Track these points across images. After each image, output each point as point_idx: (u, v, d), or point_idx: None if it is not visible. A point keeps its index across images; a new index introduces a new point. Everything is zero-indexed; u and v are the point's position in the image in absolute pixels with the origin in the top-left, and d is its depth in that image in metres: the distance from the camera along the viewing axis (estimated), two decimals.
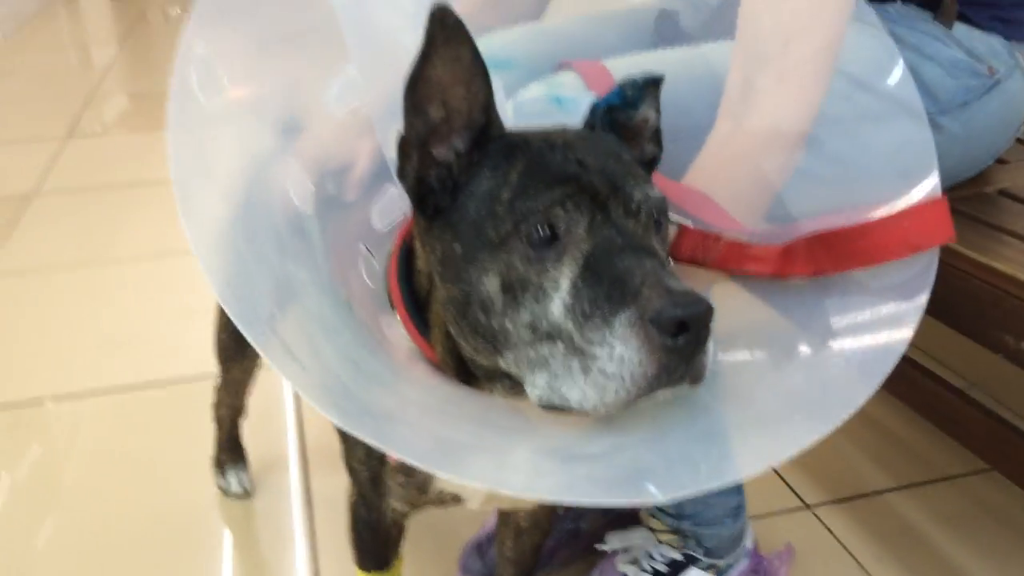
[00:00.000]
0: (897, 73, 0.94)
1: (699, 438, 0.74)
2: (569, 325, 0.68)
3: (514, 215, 0.71)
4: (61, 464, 1.78)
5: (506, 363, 0.74)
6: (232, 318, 0.67)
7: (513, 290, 0.71)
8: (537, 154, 0.75)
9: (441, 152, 0.76)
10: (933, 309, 1.19)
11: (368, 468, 0.99)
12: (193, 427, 1.80)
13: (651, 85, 0.86)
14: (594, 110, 0.85)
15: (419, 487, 0.98)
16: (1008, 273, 1.08)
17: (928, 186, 0.86)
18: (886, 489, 1.70)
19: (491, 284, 0.72)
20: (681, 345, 0.63)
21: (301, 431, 1.88)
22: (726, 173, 0.94)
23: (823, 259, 0.84)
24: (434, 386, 0.82)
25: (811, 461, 1.74)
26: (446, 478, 0.63)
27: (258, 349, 0.66)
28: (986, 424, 1.34)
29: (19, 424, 1.90)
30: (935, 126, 1.15)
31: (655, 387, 0.65)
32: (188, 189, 0.68)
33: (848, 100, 0.99)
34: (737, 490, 1.37)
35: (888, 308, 0.82)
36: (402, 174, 0.78)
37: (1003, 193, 1.31)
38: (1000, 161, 1.39)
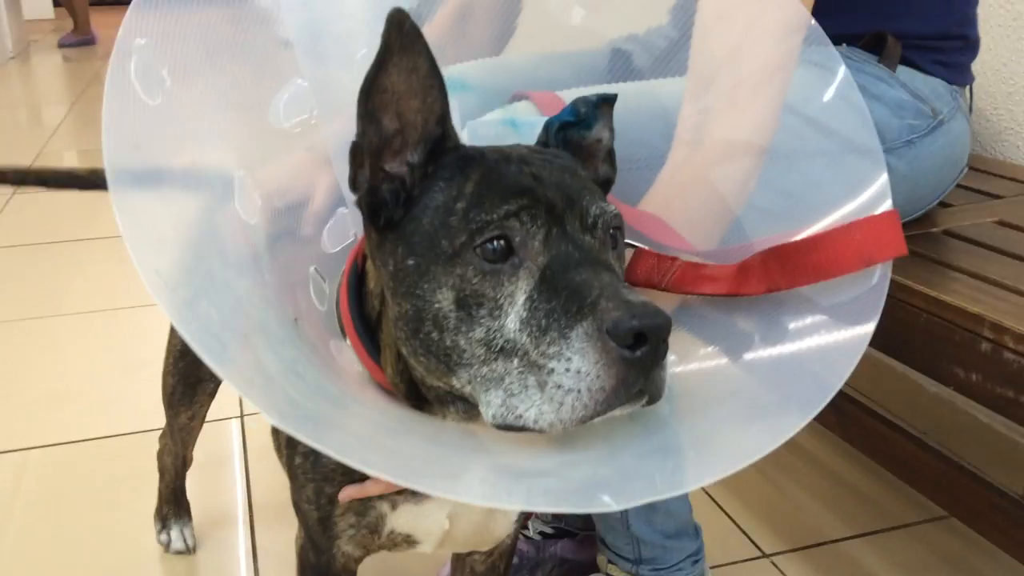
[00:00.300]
0: (853, 111, 0.95)
1: (654, 452, 0.73)
2: (524, 340, 0.66)
3: (469, 227, 0.69)
4: (2, 517, 1.71)
5: (459, 382, 0.72)
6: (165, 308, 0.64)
7: (467, 305, 0.69)
8: (493, 166, 0.74)
9: (394, 165, 0.75)
10: (884, 345, 1.21)
11: (317, 508, 0.95)
12: (136, 482, 1.75)
13: (604, 105, 0.86)
14: (548, 128, 0.85)
15: (371, 528, 0.94)
16: (957, 306, 1.09)
17: (879, 205, 0.86)
18: (843, 537, 1.68)
19: (445, 298, 0.70)
20: (639, 357, 0.62)
21: (248, 485, 1.82)
22: (681, 198, 0.94)
23: (777, 274, 0.84)
24: (384, 408, 0.80)
25: (767, 510, 1.74)
26: (400, 483, 0.60)
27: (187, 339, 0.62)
28: (941, 469, 1.34)
29: None
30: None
31: (613, 404, 0.64)
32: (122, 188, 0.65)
33: (797, 137, 1.00)
34: (695, 535, 1.35)
35: (842, 323, 0.82)
36: (354, 184, 0.76)
37: (948, 233, 1.33)
38: (944, 204, 1.42)
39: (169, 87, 0.71)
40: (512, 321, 0.67)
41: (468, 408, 0.76)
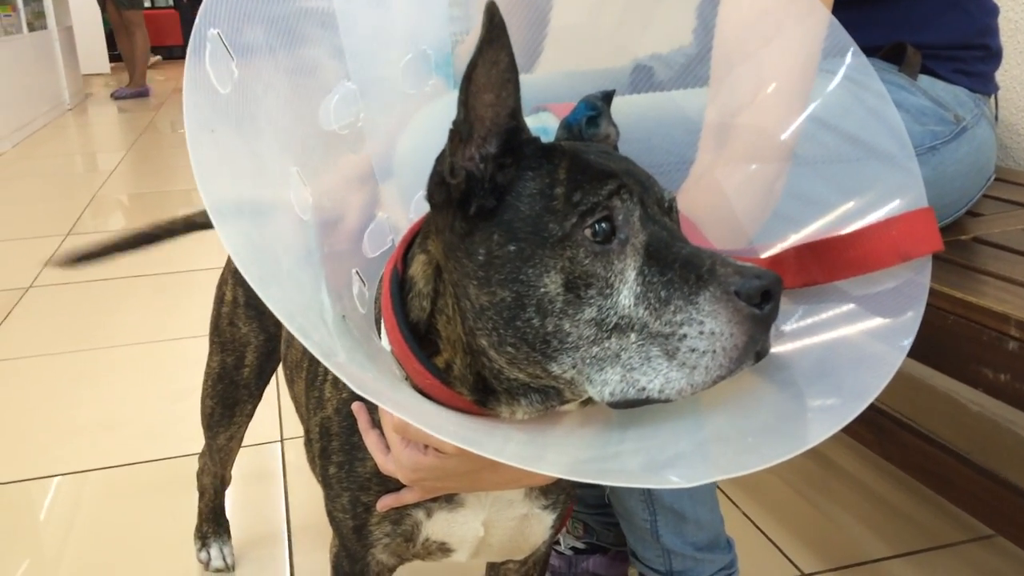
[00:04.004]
0: (880, 116, 0.95)
1: (711, 440, 0.75)
2: (642, 313, 0.68)
3: (578, 208, 0.71)
4: (52, 541, 1.75)
5: (560, 368, 0.72)
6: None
7: (576, 287, 0.70)
8: (577, 154, 0.76)
9: (470, 152, 0.75)
10: (912, 350, 1.20)
11: (353, 517, 0.96)
12: (178, 503, 1.79)
13: (606, 101, 0.89)
14: (570, 126, 0.87)
15: (406, 536, 0.95)
16: (985, 306, 1.08)
17: (914, 202, 0.87)
18: (884, 557, 1.65)
19: (552, 282, 0.71)
20: (767, 313, 0.66)
21: (287, 505, 1.84)
22: (707, 203, 0.95)
23: (813, 268, 0.85)
24: (434, 407, 0.81)
25: (804, 528, 1.72)
26: (473, 450, 0.64)
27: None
28: (985, 486, 1.31)
29: (12, 503, 1.88)
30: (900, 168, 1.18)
31: (743, 360, 0.67)
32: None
33: (817, 143, 1.01)
34: (727, 548, 1.34)
35: (888, 311, 0.83)
36: (452, 171, 0.75)
37: (977, 240, 1.32)
38: (973, 214, 1.41)
39: (237, 78, 0.74)
40: (626, 297, 0.69)
41: (543, 399, 0.78)
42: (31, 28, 7.13)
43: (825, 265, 0.84)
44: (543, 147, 0.77)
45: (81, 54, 8.50)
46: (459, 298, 0.78)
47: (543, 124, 1.00)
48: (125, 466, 2.01)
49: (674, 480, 0.66)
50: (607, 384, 0.70)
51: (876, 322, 0.82)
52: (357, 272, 0.90)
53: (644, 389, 0.68)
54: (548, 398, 0.78)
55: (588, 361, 0.71)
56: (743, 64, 0.96)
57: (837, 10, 1.04)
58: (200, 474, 1.63)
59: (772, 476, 1.90)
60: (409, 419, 0.65)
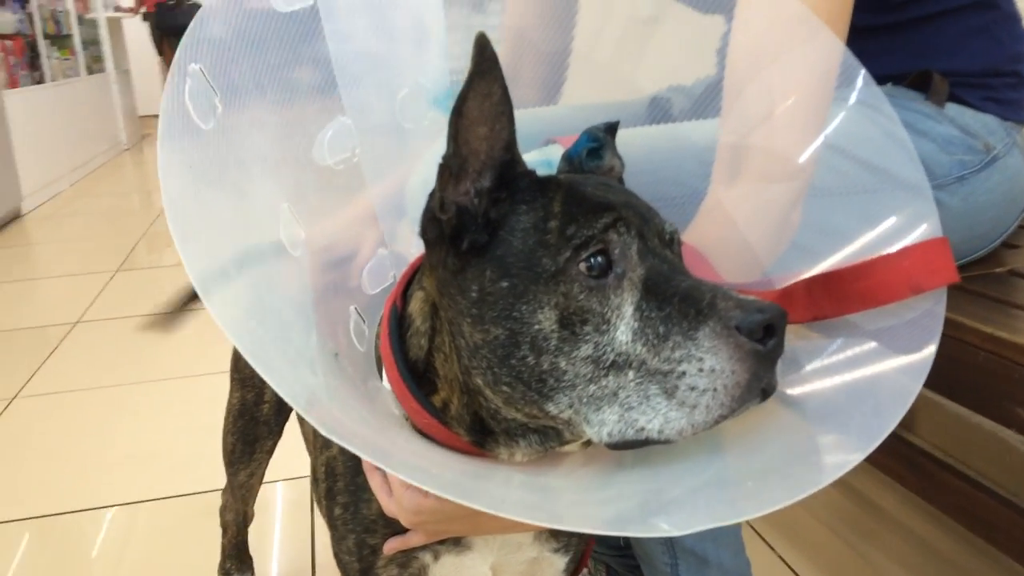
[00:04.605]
0: (897, 146, 0.93)
1: (708, 484, 0.71)
2: (640, 350, 0.66)
3: (571, 242, 0.69)
4: (87, 572, 1.77)
5: (557, 408, 0.70)
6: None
7: (572, 323, 0.68)
8: (572, 186, 0.74)
9: (464, 187, 0.74)
10: (940, 386, 1.15)
11: (359, 560, 0.94)
12: (206, 537, 1.79)
13: (611, 133, 0.87)
14: (571, 158, 0.86)
15: None
16: (1018, 343, 1.03)
17: (928, 232, 0.84)
18: None
19: (547, 318, 0.69)
20: (770, 349, 0.63)
21: (312, 541, 1.83)
22: (719, 236, 0.93)
23: (823, 301, 0.82)
24: (425, 447, 0.79)
25: (842, 571, 1.65)
26: (475, 506, 0.61)
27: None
28: None
29: (48, 535, 1.90)
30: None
31: (746, 399, 0.64)
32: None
33: (837, 173, 0.98)
34: None
35: (899, 349, 0.79)
36: (442, 206, 0.74)
37: (1014, 273, 1.27)
38: (1009, 245, 1.36)
39: (221, 114, 0.74)
40: (623, 333, 0.67)
41: (542, 440, 0.76)
42: (90, 71, 7.39)
43: (834, 297, 0.81)
44: (538, 180, 0.76)
45: (138, 96, 8.77)
46: (454, 336, 0.76)
47: (549, 157, 0.99)
48: (158, 500, 2.02)
49: (664, 528, 0.63)
50: (604, 424, 0.67)
51: (888, 358, 0.78)
52: (356, 309, 0.89)
53: (643, 429, 0.65)
54: (547, 439, 0.76)
55: (585, 400, 0.68)
56: (753, 91, 0.94)
57: (860, 37, 1.02)
58: (223, 511, 1.63)
59: (807, 515, 1.84)
60: (388, 469, 0.62)
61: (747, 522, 1.73)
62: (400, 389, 0.80)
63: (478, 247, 0.73)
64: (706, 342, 0.63)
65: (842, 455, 0.70)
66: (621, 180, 0.88)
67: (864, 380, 0.79)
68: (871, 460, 0.70)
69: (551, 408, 0.70)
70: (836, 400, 0.79)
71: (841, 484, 0.69)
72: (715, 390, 0.63)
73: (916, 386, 0.73)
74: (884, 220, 0.91)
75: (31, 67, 6.03)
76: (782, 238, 0.92)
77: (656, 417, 0.65)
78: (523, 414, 0.73)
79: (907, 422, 0.72)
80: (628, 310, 0.68)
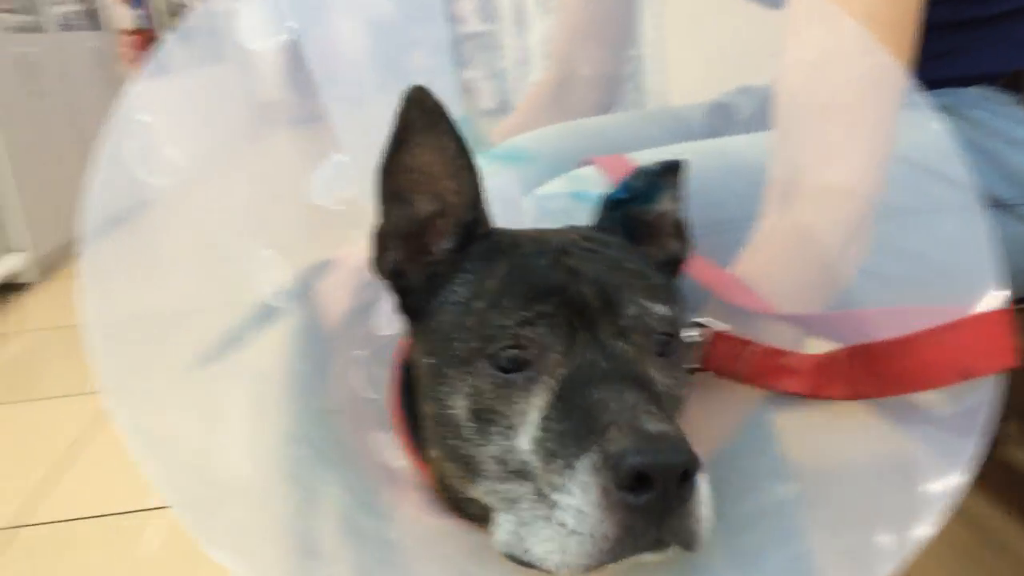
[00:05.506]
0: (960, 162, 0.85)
1: None
2: (537, 464, 0.59)
3: (482, 331, 0.63)
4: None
5: (479, 492, 0.65)
6: None
7: (481, 418, 0.63)
8: (522, 260, 0.67)
9: (437, 246, 0.71)
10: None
11: None
12: None
13: (669, 173, 0.78)
14: (605, 206, 0.79)
15: None
16: None
17: (989, 295, 0.73)
18: None
19: (460, 407, 0.64)
20: (643, 504, 0.53)
21: None
22: (774, 269, 0.85)
23: (862, 379, 0.73)
24: (426, 525, 0.75)
25: None
26: None
27: None
28: None
29: (108, 535, 1.90)
30: (1021, 218, 1.03)
31: (620, 554, 0.54)
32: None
33: (915, 190, 0.90)
34: None
35: (937, 448, 0.69)
36: (377, 267, 0.72)
37: None
38: None
39: (181, 166, 0.72)
40: (524, 441, 0.60)
41: None
42: None
43: (873, 373, 0.71)
44: (492, 246, 0.70)
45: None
46: None
47: (577, 188, 0.93)
48: None
49: None
50: (500, 530, 0.61)
51: (927, 454, 0.69)
52: (364, 352, 0.86)
53: (528, 551, 0.58)
54: None
55: (496, 496, 0.62)
56: (809, 104, 0.86)
57: (944, 34, 0.92)
58: None
59: None
60: None
61: None
62: (406, 442, 0.77)
63: (419, 312, 0.70)
64: (581, 476, 0.55)
65: None
66: (679, 225, 0.79)
67: (888, 479, 0.70)
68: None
69: (476, 492, 0.65)
70: (850, 507, 0.70)
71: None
72: (580, 535, 0.54)
73: (945, 498, 0.64)
74: (969, 240, 0.81)
75: None
76: (846, 266, 0.84)
77: (540, 543, 0.57)
78: (473, 494, 0.67)
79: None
80: (534, 416, 0.60)
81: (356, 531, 0.70)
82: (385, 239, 0.71)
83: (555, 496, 0.56)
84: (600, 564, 0.55)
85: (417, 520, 0.74)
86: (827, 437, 0.78)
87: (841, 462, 0.75)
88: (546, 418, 0.60)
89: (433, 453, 0.70)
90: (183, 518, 0.60)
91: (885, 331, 0.73)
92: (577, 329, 0.63)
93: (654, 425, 0.54)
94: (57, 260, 3.72)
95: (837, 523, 0.70)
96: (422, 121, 0.65)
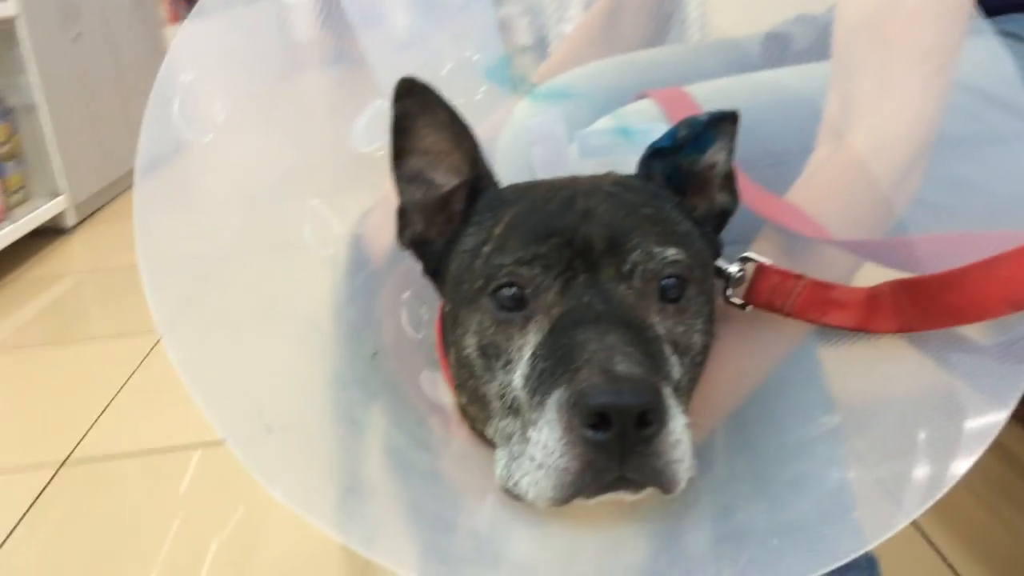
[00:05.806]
0: None
1: (737, 532, 0.66)
2: (525, 399, 0.61)
3: (486, 271, 0.66)
4: (199, 506, 1.79)
5: (491, 432, 0.69)
6: None
7: (487, 354, 0.66)
8: (530, 204, 0.70)
9: (453, 208, 0.75)
10: None
11: None
12: None
13: (722, 123, 0.75)
14: (648, 154, 0.78)
15: None
16: None
17: None
18: None
19: (470, 344, 0.67)
20: (603, 440, 0.54)
21: None
22: (826, 200, 0.84)
23: (909, 312, 0.73)
24: (477, 459, 0.77)
25: (984, 543, 1.53)
26: None
27: None
28: None
29: (157, 470, 1.92)
30: None
31: (581, 490, 0.57)
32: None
33: (975, 119, 0.87)
34: (869, 569, 1.20)
35: (983, 380, 0.69)
36: (400, 240, 0.76)
37: None
38: None
39: (222, 122, 0.72)
40: (517, 378, 0.63)
41: None
42: None
43: (919, 307, 0.71)
44: (496, 197, 0.73)
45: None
46: None
47: (623, 124, 0.90)
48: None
49: None
50: (498, 465, 0.64)
51: (969, 388, 0.69)
52: (410, 294, 0.87)
53: (517, 484, 0.60)
54: None
55: (499, 434, 0.65)
56: (867, 34, 0.83)
57: None
58: None
59: (959, 487, 1.69)
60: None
61: None
62: (449, 378, 0.78)
63: (439, 271, 0.75)
64: (548, 412, 0.57)
65: (892, 509, 0.63)
66: (729, 177, 0.78)
67: (935, 411, 0.70)
68: None
69: (490, 432, 0.68)
70: (897, 436, 0.70)
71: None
72: (545, 469, 0.56)
73: (995, 426, 0.64)
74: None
75: (189, 2, 6.24)
76: (899, 200, 0.83)
77: (524, 476, 0.59)
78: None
79: None
80: (527, 352, 0.63)
81: (405, 464, 0.74)
82: (407, 216, 0.75)
83: (529, 431, 0.59)
84: (569, 498, 0.57)
85: (467, 454, 0.76)
86: (870, 370, 0.79)
87: (882, 395, 0.75)
88: (534, 356, 0.62)
89: (461, 400, 0.73)
90: (235, 449, 0.62)
91: (940, 257, 0.73)
92: (578, 270, 0.64)
93: (625, 367, 0.56)
94: (95, 204, 3.74)
95: (875, 455, 0.71)
96: (417, 106, 0.68)
